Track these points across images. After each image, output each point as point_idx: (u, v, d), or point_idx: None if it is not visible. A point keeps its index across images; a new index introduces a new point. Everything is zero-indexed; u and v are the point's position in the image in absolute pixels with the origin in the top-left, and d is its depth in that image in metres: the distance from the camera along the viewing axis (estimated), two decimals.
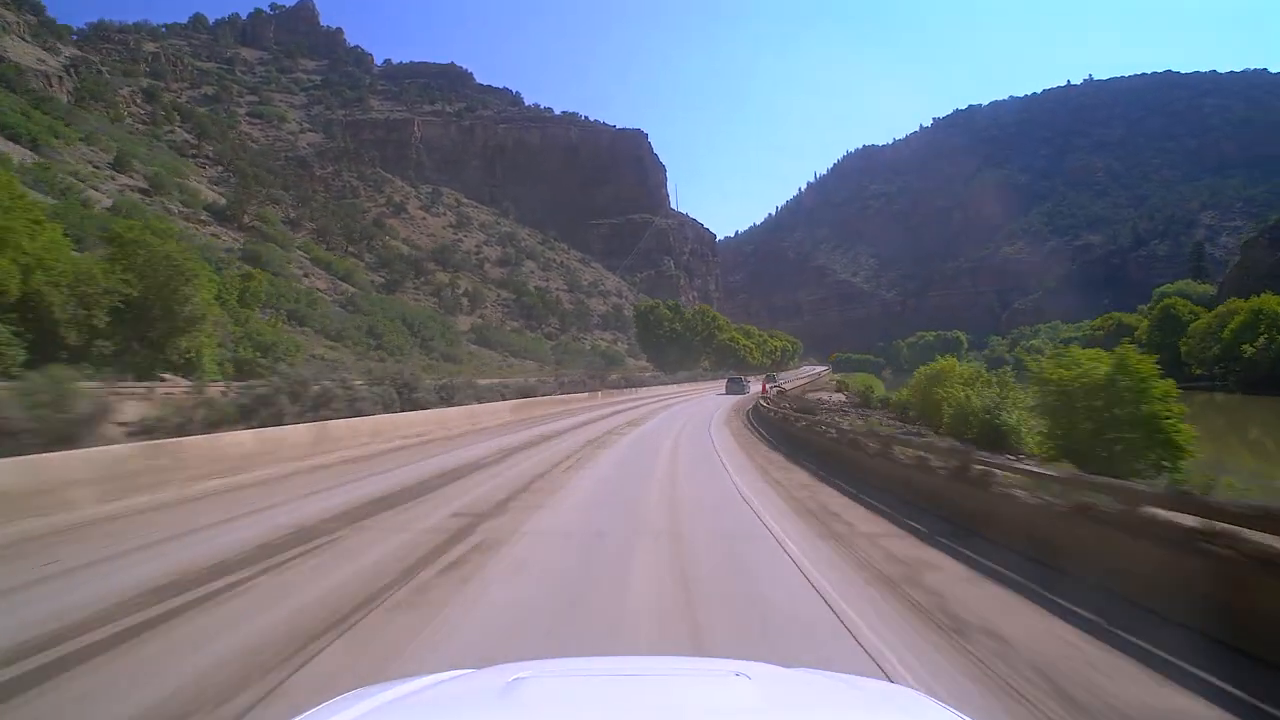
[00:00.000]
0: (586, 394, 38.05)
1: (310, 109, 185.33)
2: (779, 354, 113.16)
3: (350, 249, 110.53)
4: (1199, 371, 79.30)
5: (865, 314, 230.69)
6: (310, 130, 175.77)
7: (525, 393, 29.69)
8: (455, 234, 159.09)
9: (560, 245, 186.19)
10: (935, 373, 29.55)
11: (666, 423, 26.11)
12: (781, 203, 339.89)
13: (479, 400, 24.13)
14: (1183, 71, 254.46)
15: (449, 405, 20.71)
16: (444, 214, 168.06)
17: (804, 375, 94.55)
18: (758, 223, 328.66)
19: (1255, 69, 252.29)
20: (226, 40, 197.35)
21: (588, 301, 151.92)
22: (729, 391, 55.17)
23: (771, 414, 23.50)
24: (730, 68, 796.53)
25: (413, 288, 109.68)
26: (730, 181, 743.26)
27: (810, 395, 50.53)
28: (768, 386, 50.58)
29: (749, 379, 64.82)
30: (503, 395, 26.37)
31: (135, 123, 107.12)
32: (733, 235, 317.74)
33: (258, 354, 40.20)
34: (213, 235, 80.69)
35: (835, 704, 1.65)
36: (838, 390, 66.04)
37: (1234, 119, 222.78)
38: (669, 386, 60.11)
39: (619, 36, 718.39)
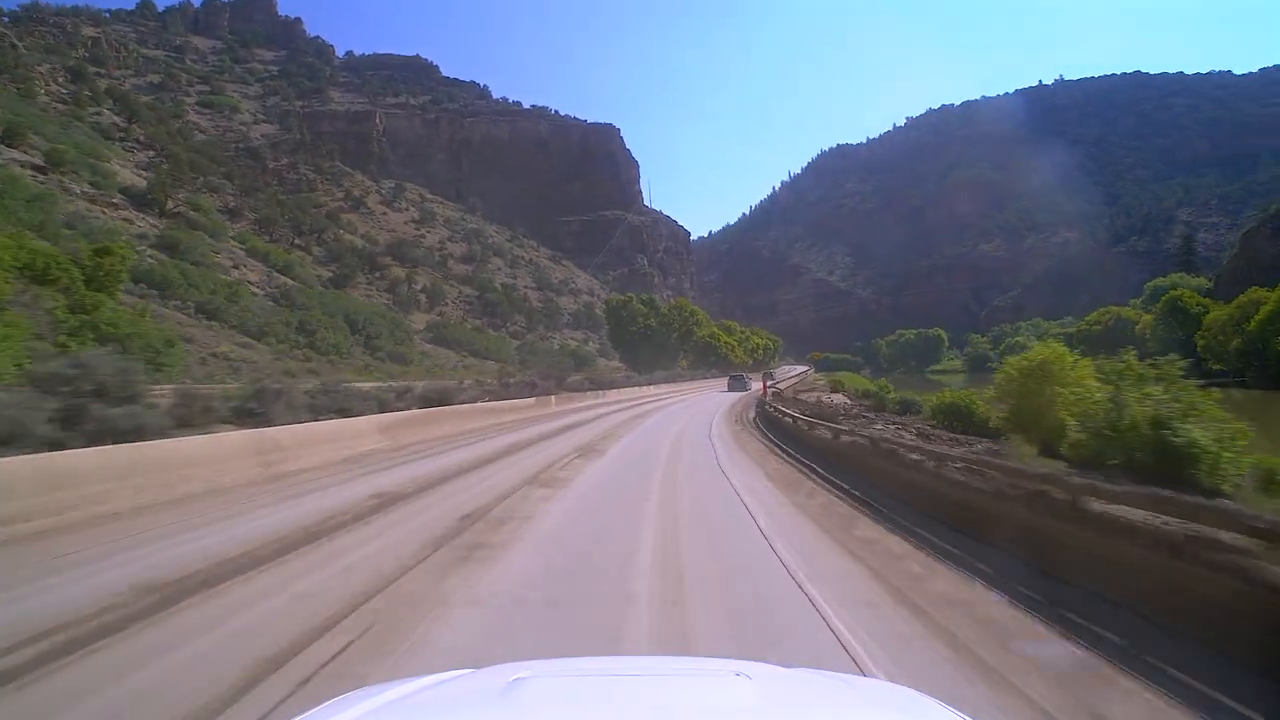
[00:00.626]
0: (534, 399, 27.86)
1: (266, 100, 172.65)
2: (761, 352, 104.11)
3: (297, 241, 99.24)
4: (1218, 366, 70.92)
5: (841, 313, 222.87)
6: (265, 121, 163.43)
7: (434, 400, 19.54)
8: (418, 229, 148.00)
9: (529, 242, 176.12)
10: (1037, 366, 19.54)
11: (641, 449, 16.24)
12: (756, 202, 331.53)
13: (336, 413, 14.11)
14: (1151, 72, 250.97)
15: (233, 427, 10.62)
16: (407, 209, 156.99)
17: (790, 375, 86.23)
18: (732, 222, 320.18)
19: (1220, 71, 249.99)
20: (176, 28, 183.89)
21: (557, 300, 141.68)
22: (731, 389, 56.32)
23: (794, 424, 13.73)
24: (703, 65, 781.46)
25: (365, 283, 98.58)
26: (704, 180, 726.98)
27: (806, 395, 41.56)
28: (767, 385, 42.11)
29: (749, 377, 64.15)
30: (383, 407, 16.21)
31: (53, 101, 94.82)
32: (707, 235, 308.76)
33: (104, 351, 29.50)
34: (124, 220, 69.36)
35: (835, 704, 1.61)
36: (834, 391, 57.09)
37: (1203, 119, 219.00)
38: (644, 388, 50.29)
39: (591, 29, 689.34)
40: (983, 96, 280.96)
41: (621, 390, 45.89)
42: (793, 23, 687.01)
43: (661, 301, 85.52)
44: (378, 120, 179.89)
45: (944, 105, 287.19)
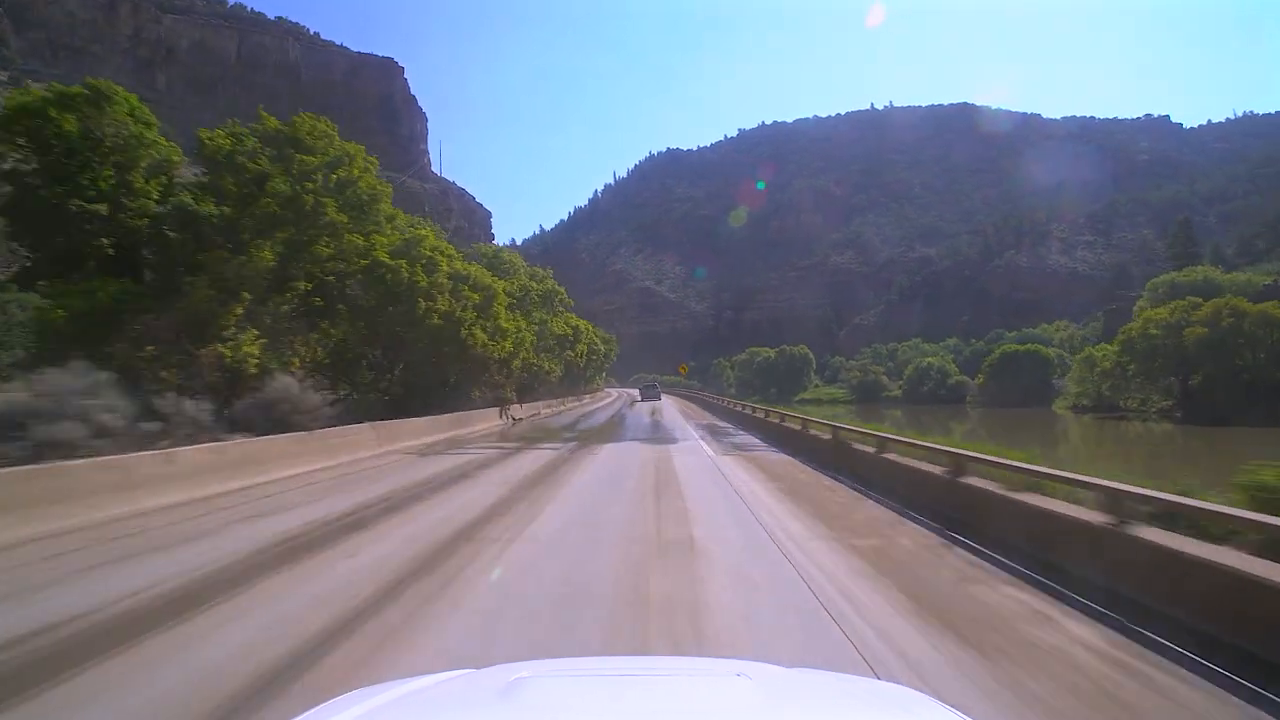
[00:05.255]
0: None
1: None
2: (583, 360, 50.28)
3: None
4: None
5: (671, 328, 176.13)
6: None
7: None
8: None
9: None
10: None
11: None
12: (575, 207, 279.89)
13: None
14: (977, 104, 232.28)
15: None
16: None
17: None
18: (548, 227, 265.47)
19: (1031, 113, 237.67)
20: None
21: None
22: (645, 398, 50.14)
23: None
24: (518, 64, 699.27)
25: None
26: (517, 182, 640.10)
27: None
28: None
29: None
30: None
31: None
32: (519, 242, 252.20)
33: None
34: None
35: (835, 704, 1.54)
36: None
37: (1029, 145, 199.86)
38: None
39: None
40: (815, 116, 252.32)
41: None
42: (609, 22, 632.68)
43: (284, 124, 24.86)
44: None
45: (776, 121, 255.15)
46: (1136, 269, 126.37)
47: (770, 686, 1.50)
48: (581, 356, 49.72)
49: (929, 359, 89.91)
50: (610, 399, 66.71)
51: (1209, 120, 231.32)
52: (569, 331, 44.70)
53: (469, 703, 1.46)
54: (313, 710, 1.34)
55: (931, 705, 1.50)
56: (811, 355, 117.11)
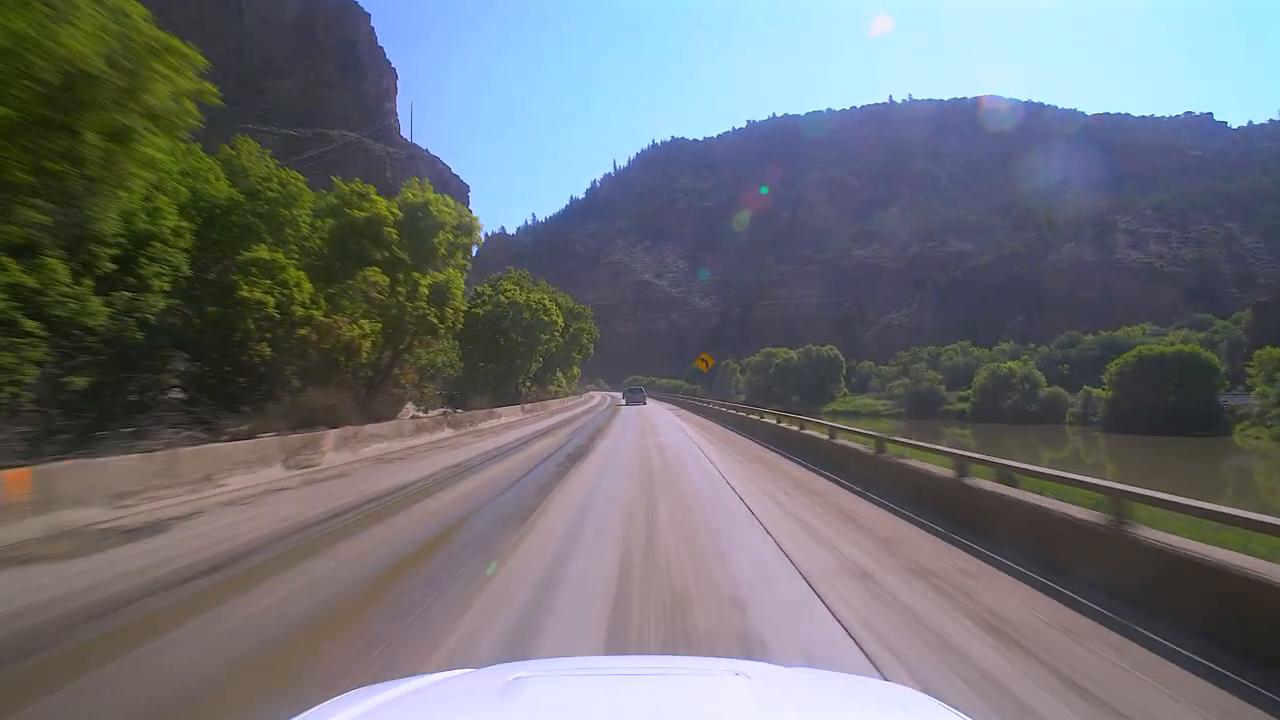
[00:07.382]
0: None
1: None
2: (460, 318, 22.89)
3: None
4: None
5: (670, 325, 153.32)
6: None
7: None
8: None
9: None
10: None
11: None
12: (572, 197, 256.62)
13: None
14: (1004, 96, 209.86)
15: None
16: None
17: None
18: (541, 219, 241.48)
19: (1065, 108, 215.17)
20: None
21: None
22: (629, 402, 45.83)
23: None
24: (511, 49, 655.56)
25: None
26: (513, 175, 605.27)
27: None
28: None
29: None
30: None
31: None
32: (510, 232, 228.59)
33: None
34: None
35: (834, 703, 1.49)
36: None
37: (1049, 139, 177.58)
38: None
39: None
40: (829, 109, 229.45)
41: None
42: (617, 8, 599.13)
43: None
44: None
45: (788, 114, 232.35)
46: (1225, 266, 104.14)
47: (769, 686, 1.46)
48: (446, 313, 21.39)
49: (1009, 364, 66.72)
50: (577, 410, 41.92)
51: (1250, 121, 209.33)
52: (453, 247, 18.32)
53: (468, 703, 1.41)
54: (311, 710, 1.30)
55: (932, 705, 1.43)
56: (843, 358, 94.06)
